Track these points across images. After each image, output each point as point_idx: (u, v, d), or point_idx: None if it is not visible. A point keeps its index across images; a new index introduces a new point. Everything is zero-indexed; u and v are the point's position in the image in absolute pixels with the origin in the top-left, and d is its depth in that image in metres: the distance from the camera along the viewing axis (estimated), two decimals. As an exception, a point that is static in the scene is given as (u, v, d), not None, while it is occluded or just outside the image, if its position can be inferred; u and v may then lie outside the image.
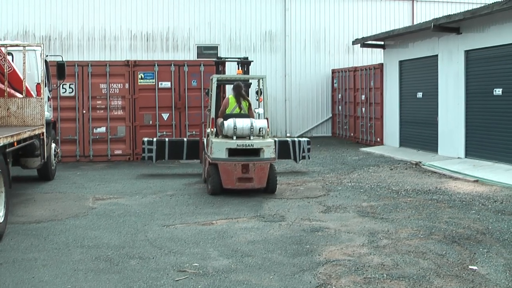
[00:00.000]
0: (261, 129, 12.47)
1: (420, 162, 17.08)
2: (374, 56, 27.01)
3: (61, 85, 17.18)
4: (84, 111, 18.42)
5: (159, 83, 18.80)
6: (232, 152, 12.18)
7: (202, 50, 26.49)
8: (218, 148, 12.17)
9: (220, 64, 15.91)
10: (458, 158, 17.27)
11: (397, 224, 9.69)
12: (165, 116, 18.85)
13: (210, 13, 26.46)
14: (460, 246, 8.32)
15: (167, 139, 15.94)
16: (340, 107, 26.46)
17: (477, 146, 16.82)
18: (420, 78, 20.24)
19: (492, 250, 8.11)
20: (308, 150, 15.89)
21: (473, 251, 8.05)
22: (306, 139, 16.23)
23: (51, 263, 7.55)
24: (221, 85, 15.01)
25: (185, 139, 15.92)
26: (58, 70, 15.24)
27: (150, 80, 18.75)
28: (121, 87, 18.60)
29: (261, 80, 13.68)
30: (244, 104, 13.24)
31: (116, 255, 7.92)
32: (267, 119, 12.94)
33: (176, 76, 18.89)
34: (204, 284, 6.74)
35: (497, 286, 6.65)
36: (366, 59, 27.42)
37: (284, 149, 15.68)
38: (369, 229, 9.39)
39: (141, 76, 18.70)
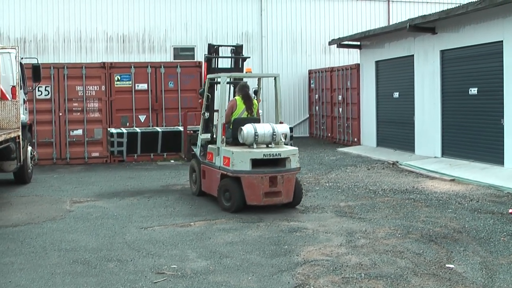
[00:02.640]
0: (283, 135, 11.27)
1: (397, 162, 17.19)
2: (350, 57, 27.07)
3: (36, 88, 17.04)
4: (61, 114, 18.28)
5: (136, 85, 18.73)
6: (255, 163, 10.70)
7: (179, 52, 26.39)
8: (240, 159, 10.59)
9: (214, 59, 13.40)
10: (435, 157, 17.39)
11: (374, 224, 9.74)
12: (142, 118, 18.77)
13: (186, 14, 26.37)
14: (437, 245, 8.39)
15: (138, 130, 13.72)
16: (317, 108, 26.52)
17: (454, 145, 16.94)
18: (396, 78, 20.36)
19: (469, 248, 8.19)
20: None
21: (450, 249, 8.12)
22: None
23: (28, 267, 7.49)
24: (214, 85, 12.80)
25: (159, 130, 13.97)
26: (33, 73, 15.13)
27: (127, 82, 18.68)
28: (98, 89, 18.49)
29: (263, 80, 11.99)
30: (254, 106, 11.89)
31: (94, 258, 7.88)
32: (281, 122, 11.66)
33: (153, 77, 18.82)
34: (183, 286, 6.72)
35: (474, 284, 6.71)
36: (342, 59, 27.47)
37: None
38: (347, 229, 9.43)
39: (118, 78, 18.61)
